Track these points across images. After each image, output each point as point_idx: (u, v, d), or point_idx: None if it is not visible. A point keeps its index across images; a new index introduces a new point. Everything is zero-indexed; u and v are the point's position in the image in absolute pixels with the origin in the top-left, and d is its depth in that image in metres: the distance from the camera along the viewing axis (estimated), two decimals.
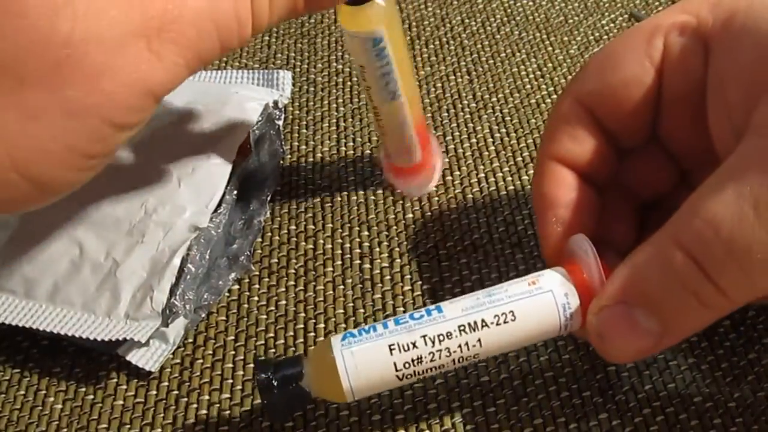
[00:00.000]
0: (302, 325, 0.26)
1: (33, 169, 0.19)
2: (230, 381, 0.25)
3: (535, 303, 0.21)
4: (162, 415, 0.24)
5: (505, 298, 0.21)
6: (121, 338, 0.24)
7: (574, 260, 0.22)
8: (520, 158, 0.32)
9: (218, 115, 0.29)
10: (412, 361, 0.21)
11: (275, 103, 0.31)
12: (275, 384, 0.21)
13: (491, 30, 0.39)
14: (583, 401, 0.24)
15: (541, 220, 0.24)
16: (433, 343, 0.21)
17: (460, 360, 0.21)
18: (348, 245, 0.29)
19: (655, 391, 0.24)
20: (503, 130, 0.33)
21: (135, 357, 0.24)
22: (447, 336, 0.21)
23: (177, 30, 0.19)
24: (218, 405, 0.24)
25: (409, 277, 0.27)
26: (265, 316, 0.27)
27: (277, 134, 0.31)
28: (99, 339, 0.24)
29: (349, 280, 0.27)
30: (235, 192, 0.28)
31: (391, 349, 0.21)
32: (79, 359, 0.26)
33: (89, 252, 0.26)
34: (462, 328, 0.21)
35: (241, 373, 0.25)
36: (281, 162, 0.32)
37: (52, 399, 0.25)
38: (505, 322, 0.21)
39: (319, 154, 0.33)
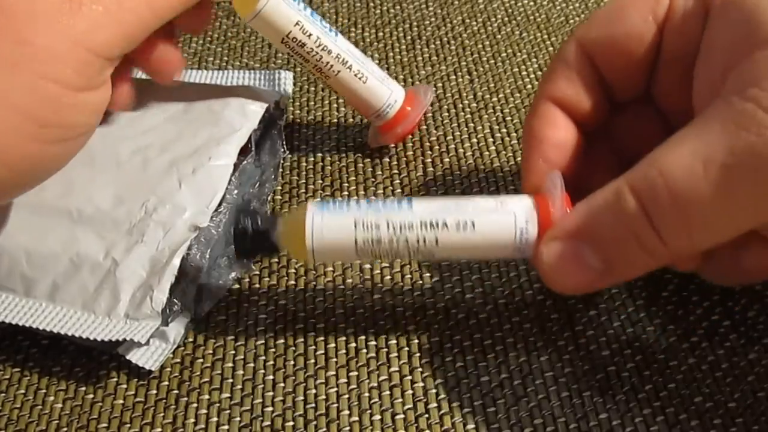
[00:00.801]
0: (302, 325, 0.26)
1: None
2: (230, 381, 0.25)
3: (496, 220, 0.22)
4: (162, 414, 0.24)
5: (471, 209, 0.22)
6: (120, 338, 0.24)
7: (544, 194, 0.23)
8: (520, 158, 0.32)
9: (219, 115, 0.29)
10: (372, 241, 0.22)
11: (276, 103, 0.31)
12: (251, 234, 0.23)
13: (492, 30, 0.39)
14: (583, 401, 0.24)
15: (526, 153, 0.25)
16: (395, 230, 0.22)
17: (415, 253, 0.23)
18: None
19: (656, 391, 0.24)
20: (504, 130, 0.33)
21: (135, 356, 0.24)
22: (408, 227, 0.22)
23: None
24: (218, 405, 0.24)
25: (409, 277, 0.27)
26: (265, 316, 0.27)
27: (278, 134, 0.31)
28: (99, 339, 0.24)
29: (350, 280, 0.27)
30: (236, 192, 0.28)
31: (355, 224, 0.22)
32: (80, 358, 0.26)
33: (89, 251, 0.26)
34: (424, 223, 0.22)
35: (241, 372, 0.25)
36: (281, 162, 0.32)
37: (52, 398, 0.25)
38: (464, 229, 0.22)
39: (319, 154, 0.33)
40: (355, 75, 0.29)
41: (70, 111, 0.21)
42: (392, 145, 0.32)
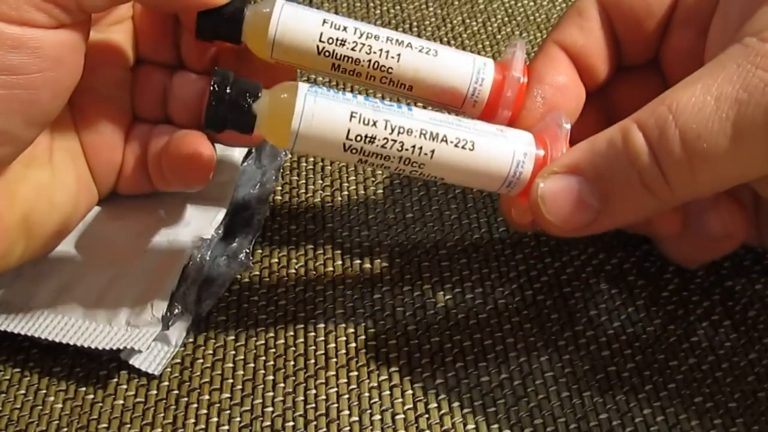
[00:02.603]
0: (302, 325, 0.26)
1: None
2: (230, 381, 0.25)
3: (496, 146, 0.21)
4: (162, 414, 0.24)
5: (473, 129, 0.21)
6: (121, 346, 0.24)
7: (545, 132, 0.22)
8: None
9: None
10: (365, 137, 0.20)
11: None
12: (228, 94, 0.20)
13: (492, 30, 0.39)
14: (583, 401, 0.24)
15: (527, 92, 0.24)
16: (392, 131, 0.20)
17: (406, 162, 0.21)
18: (348, 245, 0.29)
19: (656, 392, 0.24)
20: None
21: (138, 361, 0.24)
22: (407, 132, 0.20)
23: None
24: (218, 405, 0.24)
25: (409, 277, 0.27)
26: (265, 316, 0.27)
27: None
28: (100, 347, 0.24)
29: (350, 281, 0.27)
30: (235, 192, 0.28)
31: (351, 116, 0.20)
32: (80, 359, 0.26)
33: (90, 260, 0.26)
34: (423, 132, 0.21)
35: (241, 372, 0.25)
36: (281, 162, 0.32)
37: (52, 398, 0.25)
38: (462, 147, 0.21)
39: None
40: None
41: (36, 60, 0.20)
42: None
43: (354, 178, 0.31)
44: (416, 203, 0.30)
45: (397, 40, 0.22)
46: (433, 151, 0.21)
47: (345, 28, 0.21)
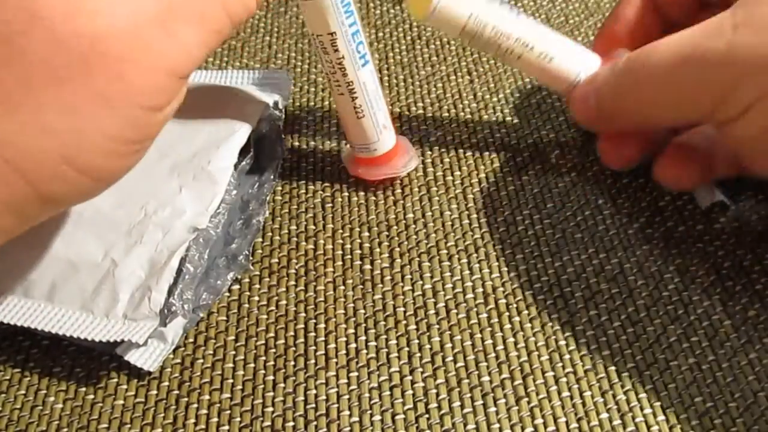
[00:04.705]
0: (302, 325, 0.26)
1: (81, 160, 0.20)
2: (230, 381, 0.25)
3: (568, 63, 0.29)
4: (162, 415, 0.24)
5: (559, 46, 0.29)
6: (119, 339, 0.24)
7: (609, 58, 0.29)
8: (520, 158, 0.32)
9: (218, 116, 0.29)
10: (475, 33, 0.28)
11: (275, 103, 0.31)
12: None
13: None
14: (584, 401, 0.24)
15: (606, 22, 0.32)
16: (495, 34, 0.28)
17: (500, 55, 0.29)
18: (348, 245, 0.29)
19: (656, 392, 0.24)
20: (504, 131, 0.33)
21: (133, 357, 0.24)
22: (507, 37, 0.28)
23: (184, 8, 0.21)
24: (218, 405, 0.24)
25: (409, 277, 0.27)
26: (265, 316, 0.27)
27: (277, 135, 0.31)
28: (97, 340, 0.24)
29: (350, 281, 0.27)
30: (234, 192, 0.28)
31: (469, 16, 0.28)
32: (80, 359, 0.26)
33: (87, 252, 0.26)
34: (518, 40, 0.29)
35: (241, 373, 0.25)
36: (281, 162, 0.32)
37: (52, 399, 0.25)
38: (543, 58, 0.29)
39: (320, 154, 0.33)
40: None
41: (157, 125, 0.22)
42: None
43: (354, 178, 0.31)
44: (416, 203, 0.30)
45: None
46: (520, 56, 0.29)
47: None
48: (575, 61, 0.29)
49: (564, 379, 0.24)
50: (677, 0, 0.30)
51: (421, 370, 0.25)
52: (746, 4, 0.24)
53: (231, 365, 0.25)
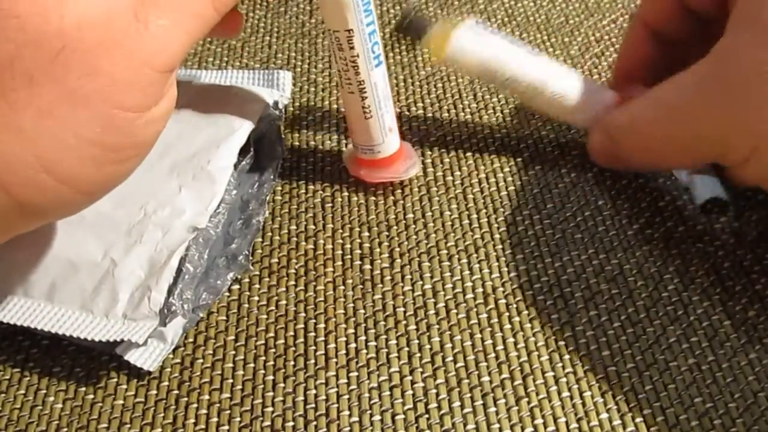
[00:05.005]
0: (302, 325, 0.26)
1: (60, 168, 0.19)
2: (230, 381, 0.25)
3: (581, 101, 0.30)
4: (162, 414, 0.24)
5: (573, 84, 0.29)
6: (118, 339, 0.24)
7: (624, 92, 0.30)
8: (520, 159, 0.32)
9: (218, 116, 0.29)
10: (488, 75, 0.29)
11: (275, 103, 0.31)
12: (410, 20, 0.31)
13: None
14: (584, 401, 0.24)
15: (617, 61, 0.32)
16: (507, 79, 0.29)
17: (514, 96, 0.32)
18: (348, 245, 0.29)
19: (656, 392, 0.24)
20: (504, 131, 0.33)
21: (133, 356, 0.24)
22: (519, 83, 0.29)
23: None
24: (218, 405, 0.24)
25: (409, 277, 0.27)
26: (265, 316, 0.27)
27: (277, 135, 0.31)
28: (96, 339, 0.24)
29: (350, 281, 0.27)
30: (234, 192, 0.28)
31: (481, 62, 0.29)
32: (80, 359, 0.26)
33: (87, 252, 0.26)
34: (530, 85, 0.29)
35: (241, 372, 0.25)
36: (281, 162, 0.32)
37: (52, 398, 0.25)
38: (557, 97, 0.29)
39: (320, 154, 0.33)
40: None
41: (142, 130, 0.21)
42: None
43: (354, 178, 0.31)
44: (416, 203, 0.30)
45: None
46: (532, 98, 0.30)
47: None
48: (589, 101, 0.30)
49: (564, 379, 0.24)
50: (674, 27, 0.29)
51: (420, 370, 0.25)
52: (725, 56, 0.24)
53: (231, 365, 0.25)
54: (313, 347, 0.25)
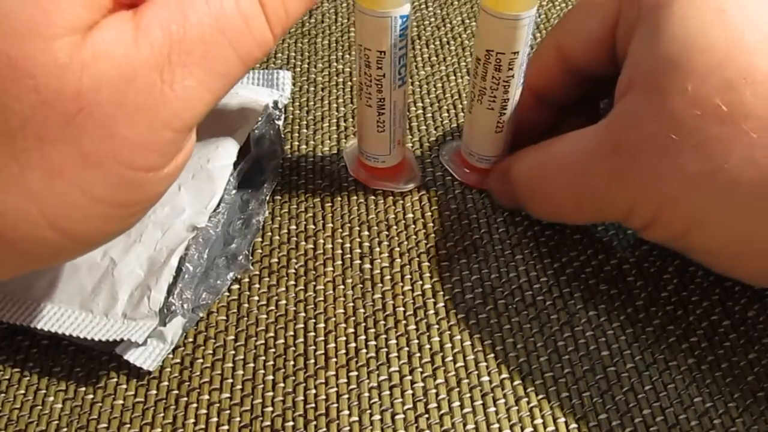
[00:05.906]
0: (302, 325, 0.26)
1: (67, 225, 0.19)
2: (230, 381, 0.25)
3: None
4: (162, 414, 0.24)
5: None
6: (118, 338, 0.24)
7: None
8: None
9: (218, 115, 0.29)
10: None
11: (275, 103, 0.31)
12: None
13: None
14: (583, 401, 0.24)
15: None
16: None
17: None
18: (348, 245, 0.29)
19: (655, 392, 0.24)
20: None
21: (133, 356, 0.24)
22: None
23: (183, 51, 0.19)
24: (218, 405, 0.24)
25: (409, 277, 0.27)
26: (265, 316, 0.27)
27: (276, 134, 0.31)
28: (96, 339, 0.24)
29: (350, 280, 0.27)
30: (234, 191, 0.28)
31: None
32: (79, 359, 0.26)
33: None
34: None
35: (241, 372, 0.25)
36: (281, 162, 0.32)
37: (52, 398, 0.25)
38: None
39: (319, 154, 0.33)
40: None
41: (155, 187, 0.20)
42: None
43: (354, 178, 0.31)
44: (416, 203, 0.30)
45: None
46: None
47: None
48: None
49: (563, 380, 0.24)
50: (562, 92, 0.29)
51: (420, 370, 0.25)
52: (622, 123, 0.23)
53: (230, 365, 0.25)
54: (313, 347, 0.26)
